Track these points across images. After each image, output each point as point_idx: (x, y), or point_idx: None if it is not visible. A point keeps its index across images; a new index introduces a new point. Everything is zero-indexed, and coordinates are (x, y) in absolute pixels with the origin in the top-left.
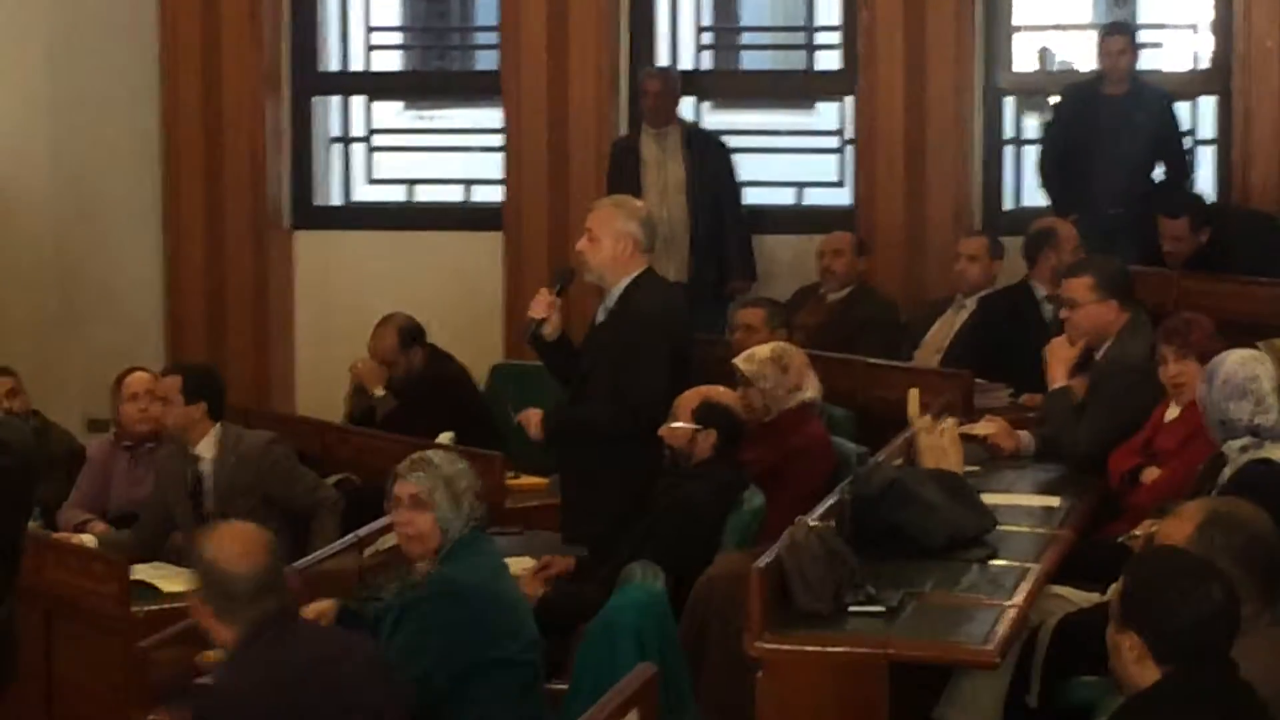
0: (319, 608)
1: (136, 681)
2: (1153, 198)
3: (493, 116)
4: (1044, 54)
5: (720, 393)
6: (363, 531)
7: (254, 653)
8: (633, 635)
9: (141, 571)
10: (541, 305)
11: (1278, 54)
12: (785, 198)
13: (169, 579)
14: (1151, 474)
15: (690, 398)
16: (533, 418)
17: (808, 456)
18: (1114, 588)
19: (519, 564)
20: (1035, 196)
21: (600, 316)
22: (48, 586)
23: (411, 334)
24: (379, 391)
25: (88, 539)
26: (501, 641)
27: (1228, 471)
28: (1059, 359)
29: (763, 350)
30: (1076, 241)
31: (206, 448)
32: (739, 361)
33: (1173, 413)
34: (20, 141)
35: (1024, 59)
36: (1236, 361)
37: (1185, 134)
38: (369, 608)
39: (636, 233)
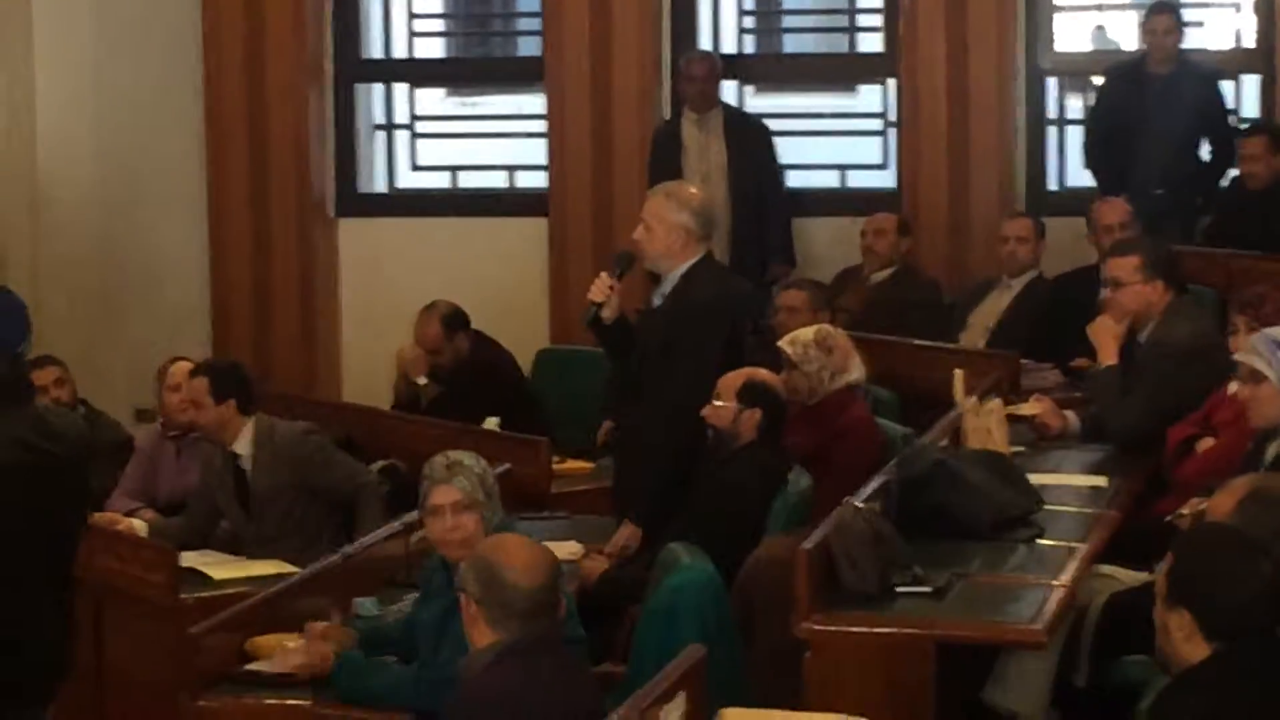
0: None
1: (186, 668)
2: (1198, 176)
3: (536, 102)
4: (1098, 34)
5: (764, 374)
6: (409, 518)
7: (508, 667)
8: (695, 615)
9: (190, 559)
10: (601, 289)
11: None
12: (829, 181)
13: (218, 566)
14: (1206, 444)
15: (734, 378)
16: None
17: (853, 438)
18: (1161, 566)
19: (565, 548)
20: (1080, 177)
21: (656, 301)
22: (98, 574)
23: (455, 321)
24: (422, 380)
25: (138, 524)
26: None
27: (1272, 449)
28: (1110, 336)
29: (806, 333)
30: (1126, 218)
31: (243, 444)
32: (783, 344)
33: (1234, 386)
34: (65, 131)
35: (1069, 39)
36: None
37: (1230, 113)
38: (388, 627)
39: (689, 223)
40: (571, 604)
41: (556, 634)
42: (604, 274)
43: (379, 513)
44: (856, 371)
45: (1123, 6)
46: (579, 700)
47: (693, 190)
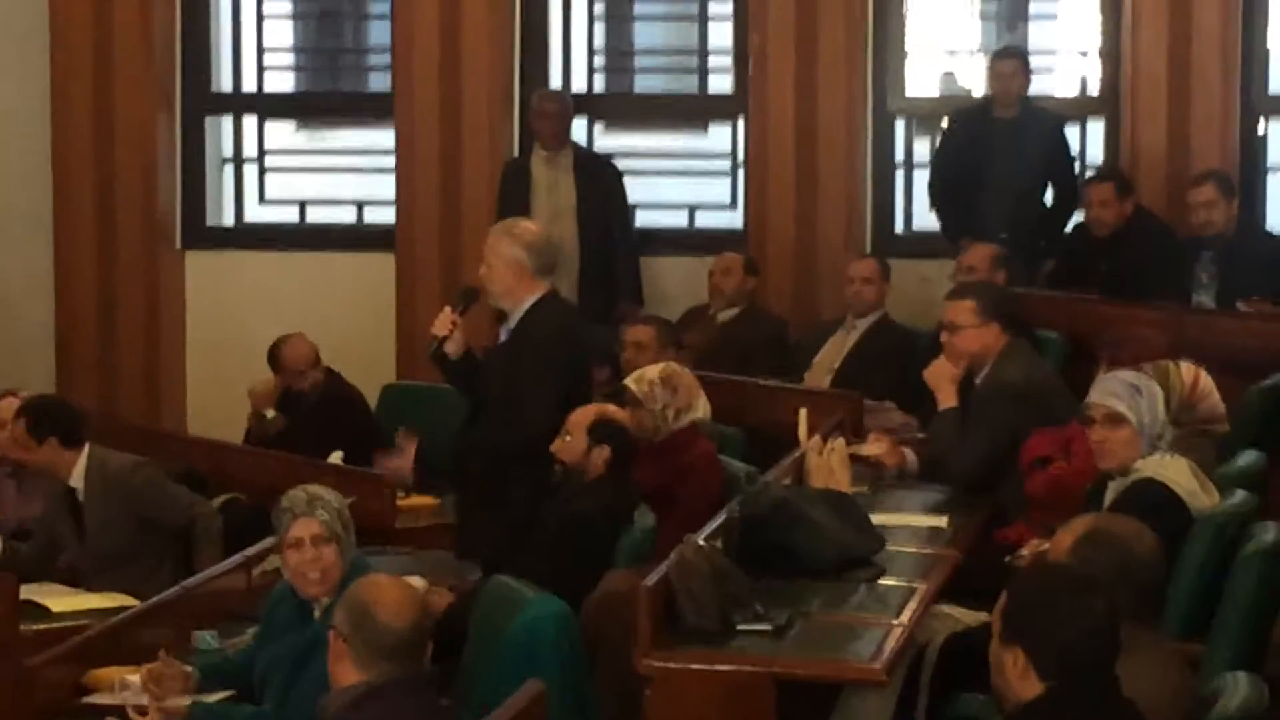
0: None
1: (24, 701)
2: (1042, 221)
3: (385, 138)
4: (947, 79)
5: (614, 411)
6: (251, 551)
7: (368, 711)
8: (555, 649)
9: (29, 591)
10: (444, 323)
11: (1166, 80)
12: (678, 220)
13: (57, 598)
14: (1059, 466)
15: (585, 414)
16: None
17: (696, 476)
18: (998, 604)
19: (410, 583)
20: (926, 220)
21: (503, 337)
22: None
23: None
24: (270, 413)
25: None
26: None
27: (1111, 491)
28: (947, 379)
29: (652, 371)
30: (986, 263)
31: (78, 478)
32: (629, 382)
33: None
34: None
35: (919, 84)
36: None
37: (1074, 159)
38: (227, 663)
39: (523, 258)
40: None
41: (421, 675)
42: (447, 308)
43: (214, 544)
44: (701, 410)
45: (971, 51)
46: None
47: (530, 226)
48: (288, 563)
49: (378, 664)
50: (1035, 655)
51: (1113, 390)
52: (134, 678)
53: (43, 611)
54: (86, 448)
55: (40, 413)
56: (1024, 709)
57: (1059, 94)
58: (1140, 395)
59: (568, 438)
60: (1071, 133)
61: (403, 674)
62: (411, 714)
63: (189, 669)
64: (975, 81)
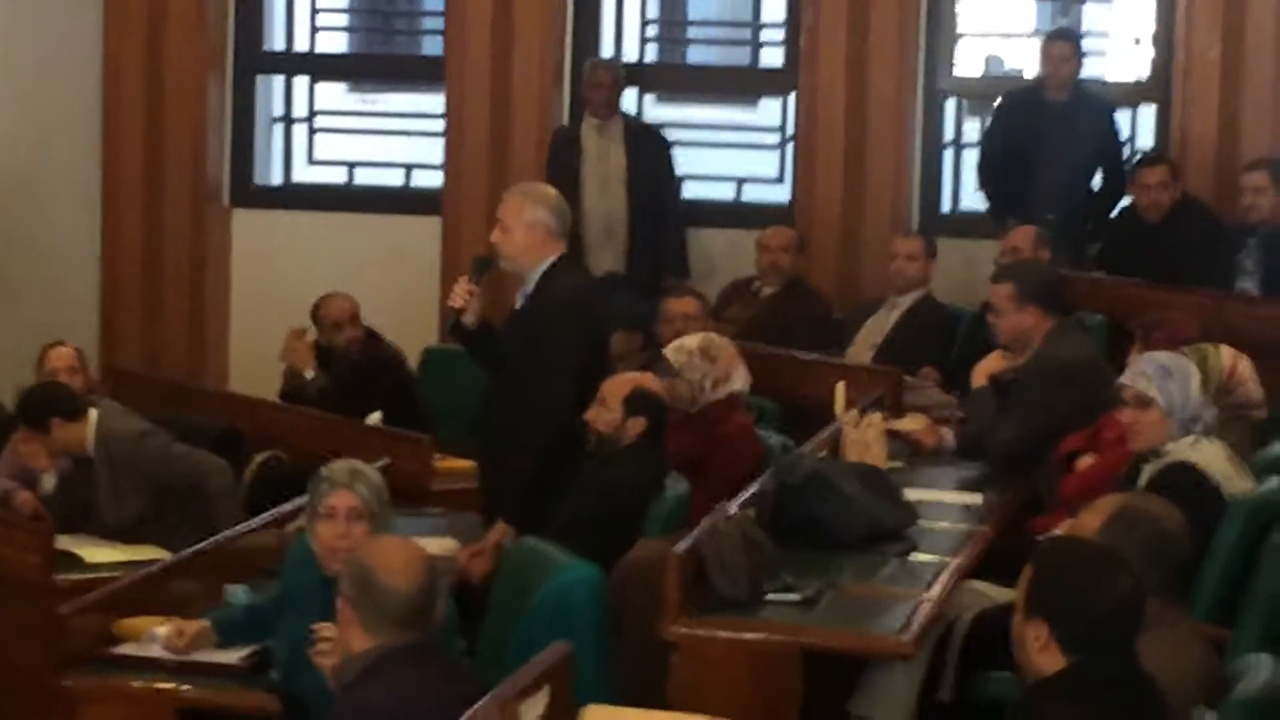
0: (191, 631)
1: (57, 648)
2: (1090, 204)
3: (435, 102)
4: (990, 61)
5: (650, 381)
6: (285, 508)
7: (383, 676)
8: (587, 612)
9: (65, 542)
10: (460, 294)
11: (1217, 66)
12: (725, 193)
13: (92, 549)
14: (1086, 461)
15: (621, 384)
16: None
17: (731, 447)
18: (1021, 577)
19: (441, 544)
20: (973, 200)
21: (519, 303)
22: None
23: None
24: (310, 373)
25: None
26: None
27: (1146, 473)
28: (986, 364)
29: (691, 341)
30: (1028, 244)
31: (91, 446)
32: (668, 351)
33: None
34: None
35: (968, 64)
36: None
37: (1124, 143)
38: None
39: (547, 219)
40: (453, 616)
41: (431, 639)
42: (462, 279)
43: (228, 498)
44: (740, 381)
45: (1025, 35)
46: (459, 706)
47: (549, 189)
48: (317, 533)
49: (386, 629)
50: (1058, 629)
51: (1143, 371)
52: (163, 629)
53: (77, 562)
54: (93, 414)
55: (31, 406)
56: (1045, 683)
57: (1111, 78)
58: (1171, 377)
59: (602, 408)
60: (1122, 117)
61: (413, 638)
62: (423, 679)
63: (206, 623)
64: (1027, 63)
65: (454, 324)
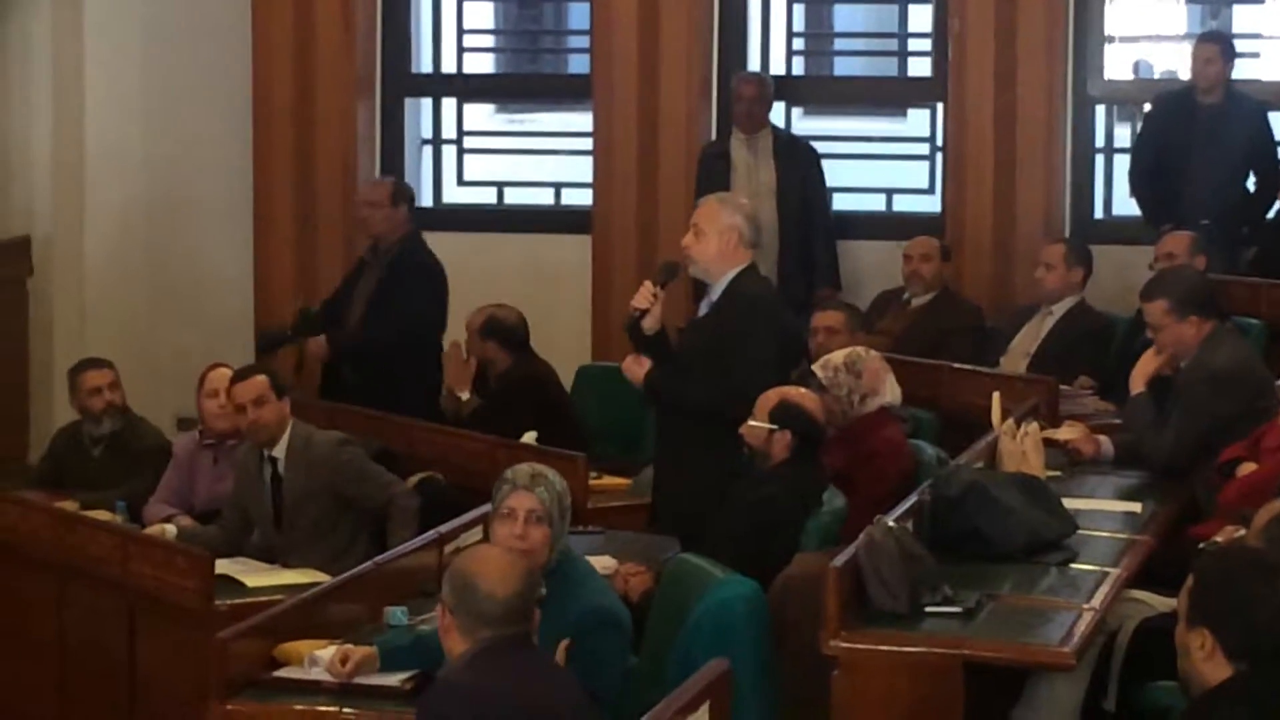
0: (356, 656)
1: (217, 673)
2: (1244, 207)
3: (583, 120)
4: (1139, 65)
5: (800, 394)
6: (444, 528)
7: (481, 662)
8: (749, 629)
9: (225, 566)
10: (645, 296)
11: None
12: (875, 204)
13: (252, 574)
14: (1247, 469)
15: (770, 398)
16: (639, 367)
17: (880, 460)
18: (1184, 586)
19: (600, 562)
20: (1126, 206)
21: (703, 309)
22: (133, 580)
23: (487, 329)
24: (464, 395)
25: (169, 529)
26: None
27: None
28: (1142, 369)
29: (836, 357)
30: (1182, 250)
31: (281, 448)
32: (815, 368)
33: None
34: (114, 139)
35: (1117, 68)
36: None
37: (1278, 145)
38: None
39: (742, 226)
40: (628, 631)
41: (526, 634)
42: (648, 282)
43: (410, 525)
44: (890, 394)
45: (1176, 38)
46: (554, 693)
47: (744, 199)
48: (495, 534)
49: (483, 634)
50: (1222, 638)
51: None
52: (323, 653)
53: (238, 586)
54: (291, 422)
55: (274, 374)
56: (1211, 693)
57: (1265, 79)
58: None
59: (753, 421)
60: (1276, 118)
61: (510, 632)
62: (521, 667)
63: (373, 648)
64: (1179, 67)
65: (633, 324)
